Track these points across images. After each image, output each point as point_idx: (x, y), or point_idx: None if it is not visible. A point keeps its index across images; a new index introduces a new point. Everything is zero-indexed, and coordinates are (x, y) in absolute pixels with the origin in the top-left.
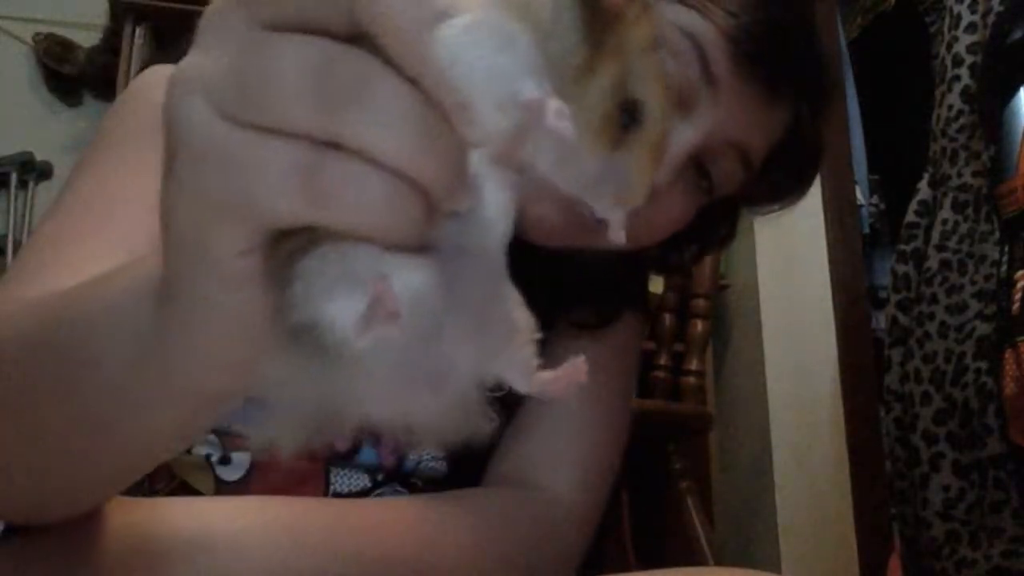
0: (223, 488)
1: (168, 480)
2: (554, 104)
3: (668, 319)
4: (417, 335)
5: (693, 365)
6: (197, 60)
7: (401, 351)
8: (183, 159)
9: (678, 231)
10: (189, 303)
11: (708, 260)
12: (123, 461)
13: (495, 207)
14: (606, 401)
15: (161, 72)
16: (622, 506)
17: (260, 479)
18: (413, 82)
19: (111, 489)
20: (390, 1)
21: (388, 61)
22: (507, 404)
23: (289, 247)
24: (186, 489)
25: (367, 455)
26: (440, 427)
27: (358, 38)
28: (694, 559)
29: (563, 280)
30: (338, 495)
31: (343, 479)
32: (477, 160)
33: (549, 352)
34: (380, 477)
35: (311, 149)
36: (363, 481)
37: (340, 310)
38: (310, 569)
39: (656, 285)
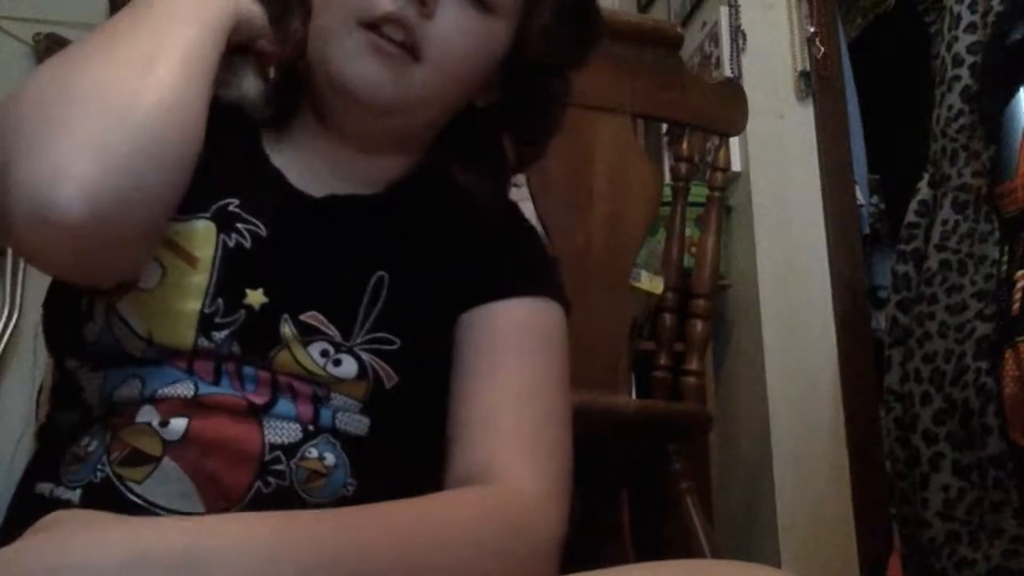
0: (169, 446)
1: (122, 448)
2: None
3: (668, 319)
4: None
5: (693, 365)
6: None
7: None
8: None
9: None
10: None
11: (708, 260)
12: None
13: None
14: (545, 394)
15: None
16: (622, 506)
17: (197, 436)
18: None
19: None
20: None
21: None
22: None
23: None
24: (138, 453)
25: (284, 407)
26: None
27: None
28: (694, 558)
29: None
30: (274, 446)
31: (276, 430)
32: None
33: (469, 325)
34: (311, 428)
35: None
36: (296, 432)
37: None
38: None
39: (656, 285)
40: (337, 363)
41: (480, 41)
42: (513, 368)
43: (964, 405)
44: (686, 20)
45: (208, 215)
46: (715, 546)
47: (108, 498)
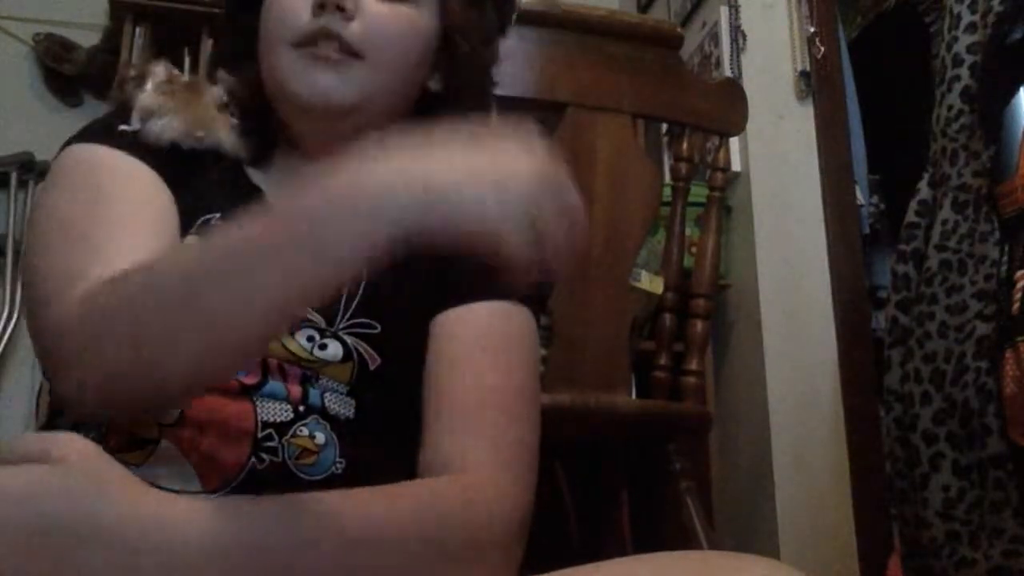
0: (165, 428)
1: (119, 435)
2: None
3: (668, 319)
4: None
5: (693, 365)
6: None
7: None
8: None
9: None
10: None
11: (708, 260)
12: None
13: None
14: (512, 392)
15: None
16: (622, 506)
17: (193, 417)
18: None
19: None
20: None
21: None
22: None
23: None
24: (135, 438)
25: (274, 387)
26: None
27: None
28: None
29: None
30: (267, 424)
31: (268, 409)
32: None
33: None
34: (301, 409)
35: None
36: (287, 412)
37: None
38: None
39: (656, 285)
40: (323, 347)
41: (405, 28)
42: (480, 367)
43: (964, 405)
44: (686, 20)
45: (194, 231)
46: (715, 546)
47: None
